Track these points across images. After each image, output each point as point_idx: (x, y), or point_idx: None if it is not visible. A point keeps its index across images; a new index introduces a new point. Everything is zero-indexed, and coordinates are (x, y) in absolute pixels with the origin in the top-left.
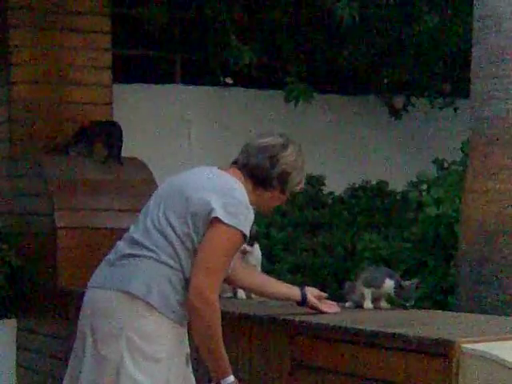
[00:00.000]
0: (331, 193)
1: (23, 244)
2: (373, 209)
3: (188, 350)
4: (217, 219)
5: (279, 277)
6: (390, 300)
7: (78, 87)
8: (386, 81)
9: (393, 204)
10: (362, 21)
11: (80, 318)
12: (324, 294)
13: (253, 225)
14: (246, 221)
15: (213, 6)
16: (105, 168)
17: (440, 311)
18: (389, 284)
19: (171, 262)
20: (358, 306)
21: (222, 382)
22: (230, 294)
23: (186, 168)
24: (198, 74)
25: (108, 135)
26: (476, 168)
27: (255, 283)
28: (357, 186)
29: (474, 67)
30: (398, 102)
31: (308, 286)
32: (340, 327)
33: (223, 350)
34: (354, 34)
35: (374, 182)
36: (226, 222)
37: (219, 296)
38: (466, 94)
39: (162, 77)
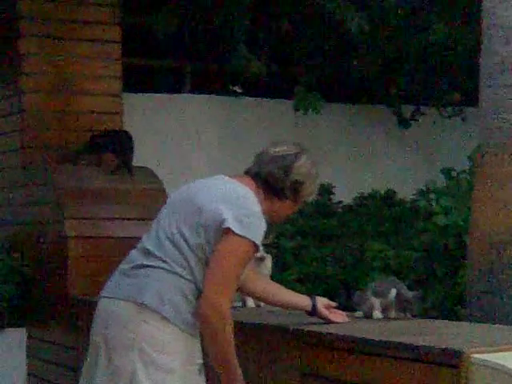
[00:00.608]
0: (340, 202)
1: (33, 253)
2: (381, 218)
3: (201, 361)
4: (229, 230)
5: (288, 286)
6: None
7: (88, 96)
8: (394, 90)
9: (401, 213)
10: (371, 31)
11: (93, 327)
12: (333, 304)
13: (269, 234)
14: (258, 231)
15: (222, 15)
16: (115, 177)
17: (449, 321)
18: (394, 294)
19: (184, 273)
20: (368, 315)
21: None
22: (239, 304)
23: (195, 177)
24: (208, 83)
25: (119, 145)
26: (485, 177)
27: (266, 292)
28: (365, 194)
29: (482, 76)
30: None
31: (317, 295)
32: (349, 337)
33: (236, 361)
34: (363, 44)
35: (382, 191)
36: (237, 232)
37: None
38: (474, 104)
39: (172, 86)
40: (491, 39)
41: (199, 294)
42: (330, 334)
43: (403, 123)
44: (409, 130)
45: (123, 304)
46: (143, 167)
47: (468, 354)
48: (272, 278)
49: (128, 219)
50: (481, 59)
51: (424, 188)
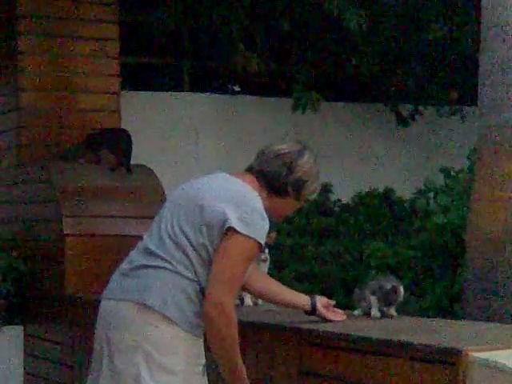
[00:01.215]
0: (338, 200)
1: (31, 251)
2: (380, 216)
3: (204, 361)
4: (232, 229)
5: (285, 284)
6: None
7: (86, 94)
8: (393, 89)
9: (400, 212)
10: (370, 29)
11: (96, 329)
12: (332, 302)
13: (272, 232)
14: (261, 229)
15: (221, 13)
16: (113, 175)
17: (447, 320)
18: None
19: (187, 273)
20: (367, 313)
21: None
22: (237, 302)
23: (193, 175)
24: (206, 81)
25: (117, 143)
26: (483, 176)
27: (266, 289)
28: (364, 193)
29: (481, 75)
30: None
31: (315, 293)
32: (347, 335)
33: (241, 361)
34: (361, 42)
35: (380, 190)
36: (241, 231)
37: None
38: (473, 102)
39: (170, 84)
40: (490, 38)
41: (202, 293)
42: (329, 332)
43: (402, 122)
44: (407, 128)
45: (126, 305)
46: (141, 165)
47: (466, 353)
48: (269, 276)
49: (126, 217)
50: (480, 58)
51: (423, 187)
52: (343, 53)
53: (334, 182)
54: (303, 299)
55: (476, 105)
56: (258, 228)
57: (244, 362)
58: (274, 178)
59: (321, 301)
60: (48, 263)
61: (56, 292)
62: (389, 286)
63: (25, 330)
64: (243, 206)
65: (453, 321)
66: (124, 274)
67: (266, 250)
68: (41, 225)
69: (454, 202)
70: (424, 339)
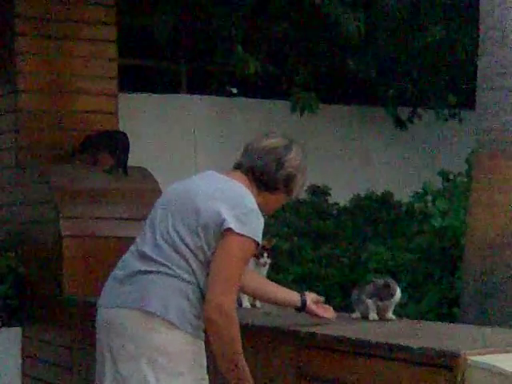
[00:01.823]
0: (336, 203)
1: (28, 252)
2: (378, 220)
3: (205, 363)
4: (229, 230)
5: (284, 287)
6: None
7: (84, 96)
8: (391, 92)
9: (398, 215)
10: (368, 32)
11: (97, 338)
12: (321, 298)
13: (271, 238)
14: (257, 228)
15: (219, 16)
16: (110, 177)
17: (445, 323)
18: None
19: (186, 276)
20: (365, 316)
21: None
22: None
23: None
24: (204, 83)
25: (114, 145)
26: (481, 180)
27: (258, 288)
28: (362, 196)
29: (479, 79)
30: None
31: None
32: (345, 338)
33: (244, 362)
34: (360, 45)
35: (379, 193)
36: (238, 231)
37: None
38: (471, 106)
39: (168, 86)
40: (489, 41)
41: (202, 295)
42: (326, 335)
43: (400, 125)
44: (406, 131)
45: (126, 313)
46: (139, 167)
47: (464, 356)
48: (268, 279)
49: (124, 219)
50: (478, 61)
51: (421, 190)
52: (341, 55)
53: (332, 184)
54: (292, 296)
55: (474, 108)
56: (255, 227)
57: None
58: (263, 174)
59: (310, 297)
60: (46, 265)
61: (54, 294)
62: (381, 282)
63: (23, 331)
64: (238, 205)
65: (451, 324)
66: (120, 280)
67: (265, 255)
68: (38, 226)
69: (452, 206)
70: (422, 343)
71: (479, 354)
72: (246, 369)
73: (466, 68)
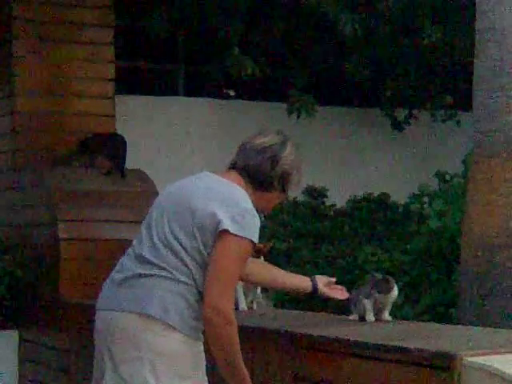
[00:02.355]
0: (333, 205)
1: (25, 255)
2: (375, 221)
3: (205, 363)
4: (225, 231)
5: None
6: None
7: (81, 99)
8: (388, 93)
9: (395, 216)
10: (365, 34)
11: (96, 341)
12: (333, 280)
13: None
14: (254, 228)
15: (216, 18)
16: (107, 179)
17: (442, 324)
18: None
19: (184, 279)
20: (362, 318)
21: None
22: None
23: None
24: (201, 86)
25: (111, 147)
26: (478, 181)
27: (266, 276)
28: (359, 198)
29: (476, 80)
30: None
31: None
32: (342, 340)
33: (242, 363)
34: (356, 47)
35: (375, 194)
36: (235, 233)
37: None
38: (468, 107)
39: (165, 88)
40: (485, 43)
41: (200, 297)
42: (323, 337)
43: (397, 126)
44: (402, 133)
45: (126, 317)
46: (136, 170)
47: (460, 357)
48: None
49: (121, 222)
50: (474, 63)
51: (417, 191)
52: (338, 57)
53: (329, 186)
54: (303, 281)
55: (471, 109)
56: (251, 227)
57: None
58: (258, 173)
59: (321, 280)
60: (43, 267)
61: (51, 296)
62: (380, 276)
63: (20, 334)
64: (234, 206)
65: (448, 325)
66: (118, 283)
67: (262, 259)
68: (36, 229)
69: (449, 207)
70: (419, 344)
71: (476, 355)
72: (245, 370)
73: (462, 69)
